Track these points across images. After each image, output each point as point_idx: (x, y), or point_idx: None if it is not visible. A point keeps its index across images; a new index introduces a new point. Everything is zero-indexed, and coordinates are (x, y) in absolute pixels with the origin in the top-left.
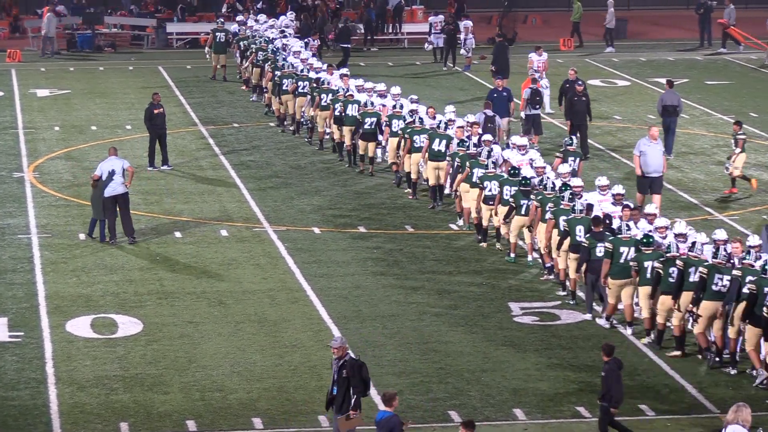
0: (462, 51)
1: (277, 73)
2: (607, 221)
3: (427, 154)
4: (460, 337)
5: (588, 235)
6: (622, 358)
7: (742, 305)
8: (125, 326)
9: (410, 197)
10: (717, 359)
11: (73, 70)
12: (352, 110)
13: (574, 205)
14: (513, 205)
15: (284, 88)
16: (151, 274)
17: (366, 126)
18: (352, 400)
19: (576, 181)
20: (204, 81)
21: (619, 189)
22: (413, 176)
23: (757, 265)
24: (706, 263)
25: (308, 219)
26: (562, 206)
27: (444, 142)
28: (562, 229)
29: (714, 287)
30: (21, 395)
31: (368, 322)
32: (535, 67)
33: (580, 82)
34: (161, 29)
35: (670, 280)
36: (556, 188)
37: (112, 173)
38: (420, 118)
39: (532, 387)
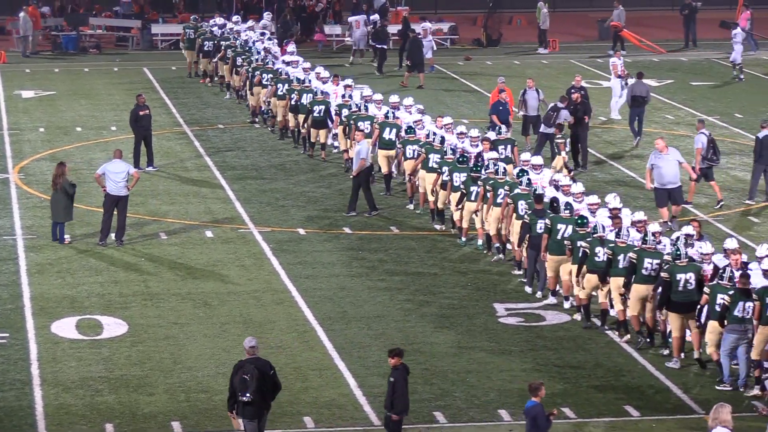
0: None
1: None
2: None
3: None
4: (445, 338)
5: (530, 212)
6: (608, 358)
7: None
8: (110, 327)
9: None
10: (647, 341)
11: (58, 71)
12: (306, 99)
13: (535, 190)
14: (463, 191)
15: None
16: (136, 276)
17: (315, 114)
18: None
19: (537, 160)
20: (189, 82)
21: (616, 203)
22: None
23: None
24: (635, 248)
25: (293, 220)
26: (519, 191)
27: (394, 130)
28: (522, 212)
29: (644, 272)
30: (6, 397)
31: (353, 323)
32: (619, 71)
33: (572, 90)
34: (146, 30)
35: (596, 259)
36: (502, 172)
37: (112, 174)
38: (438, 135)
39: (518, 388)
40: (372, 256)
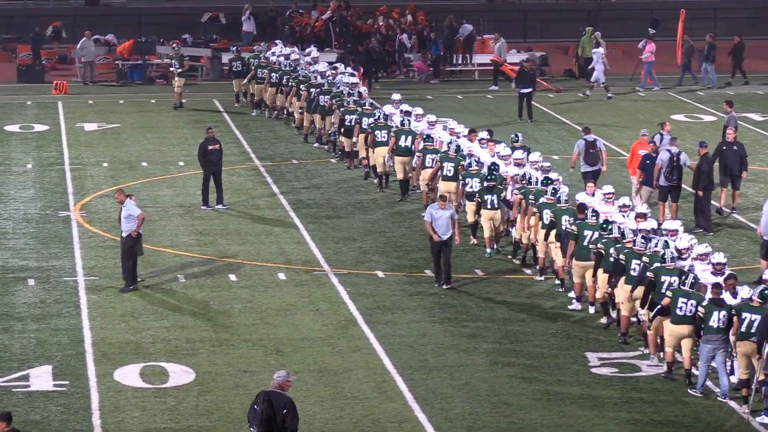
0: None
1: (313, 90)
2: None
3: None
4: (534, 389)
5: (575, 221)
6: (708, 412)
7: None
8: (176, 375)
9: (378, 190)
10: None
11: (123, 102)
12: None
13: (559, 197)
14: (479, 200)
15: (321, 103)
16: (204, 320)
17: (346, 123)
18: None
19: (554, 175)
20: (261, 115)
21: (720, 258)
22: (379, 169)
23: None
24: (625, 250)
25: (371, 261)
26: (544, 200)
27: (410, 138)
28: (547, 221)
29: (632, 272)
30: None
31: (435, 372)
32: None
33: (703, 144)
34: (216, 60)
35: (611, 259)
36: (538, 182)
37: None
38: (454, 143)
39: None
40: (455, 301)
